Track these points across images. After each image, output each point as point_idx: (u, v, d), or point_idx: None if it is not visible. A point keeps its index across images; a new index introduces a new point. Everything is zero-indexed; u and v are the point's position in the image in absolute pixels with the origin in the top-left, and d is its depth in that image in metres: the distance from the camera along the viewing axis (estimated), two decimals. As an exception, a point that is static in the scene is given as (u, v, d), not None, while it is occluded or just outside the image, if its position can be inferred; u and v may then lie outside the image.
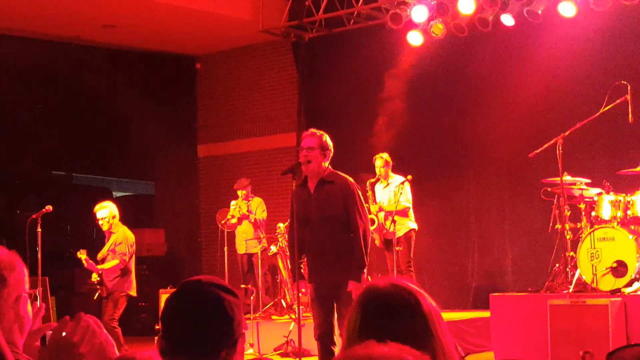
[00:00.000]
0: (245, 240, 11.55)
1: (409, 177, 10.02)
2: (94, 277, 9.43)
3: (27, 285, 2.57)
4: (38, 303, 2.53)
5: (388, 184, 10.22)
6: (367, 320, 1.94)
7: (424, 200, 10.93)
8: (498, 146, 11.21)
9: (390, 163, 10.24)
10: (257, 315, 10.87)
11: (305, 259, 6.75)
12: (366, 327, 1.93)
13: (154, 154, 15.16)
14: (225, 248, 11.09)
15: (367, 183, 10.12)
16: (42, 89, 14.00)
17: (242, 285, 11.13)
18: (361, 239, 6.41)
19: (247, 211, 11.39)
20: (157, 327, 9.63)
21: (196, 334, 2.27)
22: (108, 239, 9.55)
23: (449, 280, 11.40)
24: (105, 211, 9.51)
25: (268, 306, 11.27)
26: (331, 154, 6.57)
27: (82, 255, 9.28)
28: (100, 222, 9.52)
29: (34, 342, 2.41)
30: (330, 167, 6.59)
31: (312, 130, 6.64)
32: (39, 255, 9.38)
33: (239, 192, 11.53)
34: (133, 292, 9.48)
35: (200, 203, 14.82)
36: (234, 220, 11.40)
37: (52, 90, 14.19)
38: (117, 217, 9.53)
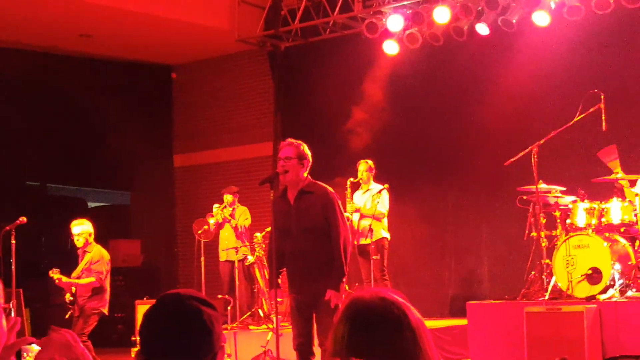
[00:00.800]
0: (226, 249, 11.54)
1: (386, 185, 10.07)
2: (68, 297, 9.31)
3: (1, 300, 2.55)
4: (13, 316, 2.52)
5: (368, 189, 10.25)
6: (354, 334, 1.93)
7: (402, 208, 10.96)
8: (474, 154, 11.27)
9: (374, 170, 10.28)
10: (235, 325, 10.84)
11: (285, 270, 6.74)
12: (354, 341, 1.92)
13: (130, 163, 15.08)
14: (202, 258, 11.06)
15: (348, 182, 10.14)
16: (17, 98, 13.91)
17: (219, 296, 11.11)
18: (341, 249, 6.37)
19: (230, 216, 11.35)
20: (134, 338, 9.60)
21: (175, 347, 2.26)
22: (82, 258, 9.44)
23: (426, 288, 11.43)
24: (82, 228, 9.41)
25: (245, 316, 11.24)
26: (310, 164, 6.54)
27: (54, 274, 9.17)
28: (75, 239, 9.43)
29: (9, 356, 2.40)
30: (309, 177, 6.57)
31: (290, 140, 6.61)
32: (13, 268, 9.29)
33: (225, 197, 11.50)
34: (105, 310, 9.38)
35: (176, 213, 14.78)
36: (212, 220, 11.32)
37: (27, 99, 14.09)
38: (93, 235, 9.45)
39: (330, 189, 6.58)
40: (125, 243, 14.23)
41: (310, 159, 6.54)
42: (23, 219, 9.35)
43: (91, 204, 18.27)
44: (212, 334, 2.30)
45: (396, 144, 11.73)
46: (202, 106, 14.60)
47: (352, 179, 10.19)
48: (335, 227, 6.40)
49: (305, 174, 6.51)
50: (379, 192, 10.06)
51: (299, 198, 6.50)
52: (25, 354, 2.55)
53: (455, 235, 11.53)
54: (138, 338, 2.38)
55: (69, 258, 15.22)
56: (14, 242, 9.28)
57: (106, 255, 9.46)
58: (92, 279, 9.25)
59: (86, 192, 18.95)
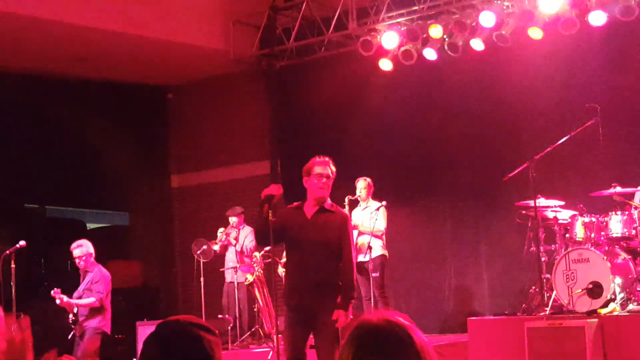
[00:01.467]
0: (226, 270, 11.53)
1: (384, 202, 10.04)
2: (71, 317, 9.30)
3: (2, 328, 2.54)
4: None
5: (367, 207, 10.22)
6: (360, 356, 1.93)
7: (399, 225, 10.94)
8: (471, 170, 11.26)
9: (372, 188, 10.25)
10: (235, 345, 10.80)
11: (287, 283, 6.73)
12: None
13: (128, 184, 15.06)
14: (202, 278, 11.02)
15: (346, 199, 10.11)
16: (14, 121, 13.89)
17: (219, 316, 11.07)
18: (353, 271, 6.50)
19: (235, 239, 11.31)
20: (134, 360, 9.55)
21: (175, 374, 2.24)
22: (83, 278, 9.44)
23: (425, 304, 11.40)
24: (82, 250, 9.42)
25: (246, 336, 11.20)
26: None
27: (56, 295, 9.17)
28: (76, 261, 9.42)
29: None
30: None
31: (325, 157, 6.69)
32: (14, 291, 9.26)
33: (231, 220, 11.47)
34: (107, 330, 9.39)
35: (175, 233, 14.73)
36: (216, 247, 11.31)
37: (24, 122, 14.08)
38: (93, 255, 9.45)
39: (345, 208, 6.72)
40: (124, 264, 14.17)
41: None
42: (23, 244, 9.33)
43: (90, 226, 18.21)
44: (212, 359, 2.27)
45: (393, 160, 11.72)
46: (199, 126, 14.59)
47: (350, 197, 10.17)
48: (349, 249, 6.51)
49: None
50: (377, 209, 10.03)
51: (318, 214, 6.55)
52: None
53: (454, 250, 11.50)
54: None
55: (69, 280, 15.16)
56: (13, 266, 9.26)
57: (107, 275, 9.46)
58: (92, 299, 9.25)
59: (85, 214, 18.89)
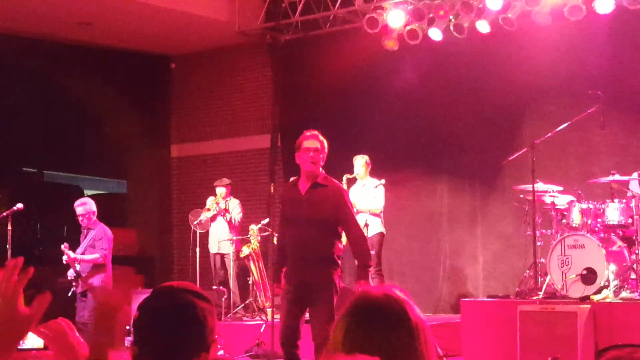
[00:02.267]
0: (218, 241, 11.50)
1: (383, 181, 10.04)
2: (71, 272, 9.36)
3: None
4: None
5: (364, 185, 10.22)
6: (353, 328, 1.94)
7: (397, 204, 10.95)
8: (471, 152, 11.26)
9: (370, 165, 10.23)
10: (228, 317, 10.83)
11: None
12: (352, 333, 1.94)
13: (127, 152, 15.05)
14: (198, 249, 11.05)
15: (344, 178, 10.11)
16: (14, 84, 13.86)
17: (214, 287, 11.10)
18: (364, 238, 6.63)
19: (225, 209, 11.33)
20: (127, 327, 9.59)
21: (169, 340, 2.26)
22: (85, 235, 9.50)
23: (419, 285, 11.42)
24: (85, 207, 9.50)
25: (239, 308, 11.23)
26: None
27: (65, 249, 9.26)
28: (80, 218, 9.49)
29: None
30: (323, 171, 6.61)
31: (314, 131, 6.63)
32: (9, 254, 9.28)
33: (218, 190, 11.47)
34: (111, 287, 9.47)
35: (172, 203, 14.74)
36: (208, 214, 11.31)
37: (24, 86, 14.04)
38: (96, 213, 9.53)
39: (343, 186, 6.68)
40: (120, 232, 14.15)
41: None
42: (20, 206, 9.35)
43: (87, 192, 18.20)
44: (205, 327, 2.30)
45: (393, 139, 11.71)
46: (201, 97, 14.56)
47: (348, 175, 10.16)
48: (353, 222, 6.59)
49: (322, 169, 6.58)
50: (376, 187, 10.03)
51: (312, 190, 6.52)
52: (21, 342, 2.53)
53: (451, 232, 11.51)
54: (132, 329, 2.36)
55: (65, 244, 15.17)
56: (10, 228, 9.29)
57: (109, 232, 9.52)
58: (96, 255, 9.35)
59: (83, 180, 18.88)
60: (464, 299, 9.19)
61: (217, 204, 11.36)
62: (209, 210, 11.33)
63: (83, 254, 9.38)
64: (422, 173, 11.70)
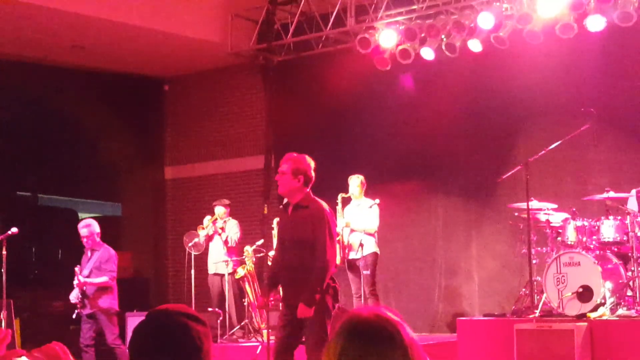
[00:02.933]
0: (215, 262, 11.45)
1: (377, 200, 10.02)
2: (75, 295, 9.35)
3: None
4: (3, 327, 2.49)
5: (359, 205, 10.20)
6: (348, 350, 1.93)
7: (392, 223, 10.92)
8: (465, 171, 11.26)
9: (365, 185, 10.22)
10: (224, 338, 10.77)
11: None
12: (345, 356, 1.91)
13: (121, 175, 15.02)
14: (192, 271, 10.99)
15: (339, 197, 10.09)
16: (8, 107, 13.84)
17: (210, 309, 11.04)
18: (320, 265, 6.31)
19: (221, 229, 11.28)
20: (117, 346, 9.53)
21: (165, 363, 2.23)
22: (90, 257, 9.49)
23: (415, 303, 11.38)
24: (89, 229, 9.56)
25: (235, 329, 11.17)
26: (308, 178, 6.48)
27: (77, 274, 9.30)
28: (84, 240, 9.53)
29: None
30: (309, 191, 6.55)
31: (292, 154, 6.61)
32: (4, 278, 9.25)
33: (217, 210, 11.40)
34: (118, 308, 9.59)
35: (167, 225, 14.70)
36: (203, 232, 11.23)
37: (18, 109, 14.03)
38: (100, 234, 9.57)
39: (326, 206, 6.56)
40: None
41: (309, 174, 6.49)
42: (14, 230, 9.33)
43: (82, 215, 18.15)
44: (201, 350, 2.27)
45: (387, 158, 11.70)
46: (194, 119, 14.56)
47: (343, 195, 10.15)
48: (320, 243, 6.34)
49: (302, 188, 6.48)
50: (370, 207, 10.01)
51: (294, 211, 6.54)
52: None
53: (445, 250, 11.49)
54: (129, 355, 2.35)
55: (59, 268, 15.12)
56: (4, 252, 9.27)
57: (114, 254, 9.59)
58: (105, 278, 9.40)
59: (77, 203, 18.85)
60: (460, 318, 9.16)
61: (214, 223, 11.30)
62: (204, 228, 11.27)
63: (88, 275, 9.41)
64: (417, 192, 11.69)
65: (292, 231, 6.52)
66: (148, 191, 14.89)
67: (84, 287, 9.36)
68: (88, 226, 9.57)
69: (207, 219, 11.40)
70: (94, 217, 18.47)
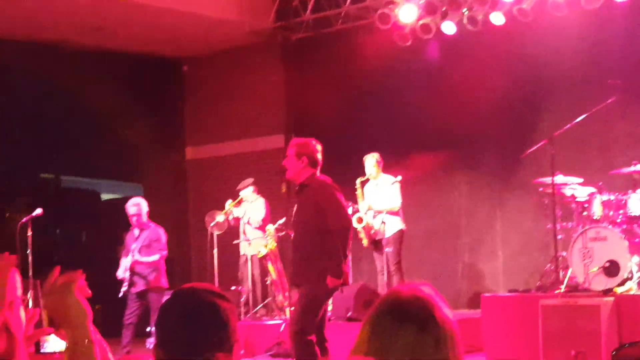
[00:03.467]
0: (241, 242, 11.49)
1: (399, 177, 9.96)
2: (122, 272, 9.44)
3: (20, 291, 2.57)
4: (30, 307, 2.49)
5: (377, 184, 10.15)
6: (379, 328, 1.91)
7: (414, 200, 10.88)
8: (489, 146, 11.19)
9: (381, 163, 10.16)
10: (248, 317, 10.80)
11: None
12: (377, 335, 1.90)
13: (142, 156, 15.03)
14: (215, 250, 11.00)
15: (357, 182, 10.06)
16: (30, 91, 13.88)
17: (232, 288, 11.06)
18: (335, 235, 6.46)
19: (234, 219, 11.27)
20: (149, 329, 9.58)
21: (192, 341, 2.23)
22: (138, 236, 9.57)
23: (439, 281, 11.30)
24: (137, 207, 9.69)
25: (258, 308, 11.20)
26: (313, 160, 6.62)
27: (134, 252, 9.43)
28: (133, 218, 9.65)
29: (27, 348, 2.37)
30: (314, 172, 6.62)
31: (297, 138, 6.97)
32: (30, 259, 9.33)
33: (242, 194, 11.36)
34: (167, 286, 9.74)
35: (189, 205, 14.72)
36: (221, 217, 11.22)
37: (39, 92, 14.06)
38: (148, 213, 9.77)
39: (329, 181, 6.64)
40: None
41: (314, 156, 6.63)
42: (39, 211, 9.40)
43: (104, 197, 18.25)
44: (228, 327, 2.27)
45: (409, 135, 11.60)
46: (214, 98, 14.52)
47: (361, 178, 10.12)
48: (332, 208, 6.51)
49: (306, 169, 6.58)
50: (392, 184, 9.95)
51: (299, 192, 6.73)
52: (44, 345, 2.56)
53: (470, 227, 11.45)
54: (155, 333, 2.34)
55: (83, 249, 15.21)
56: (30, 233, 9.35)
57: (163, 233, 9.77)
58: (156, 256, 9.56)
59: (99, 185, 18.93)
60: (484, 294, 9.11)
61: (232, 211, 11.27)
62: (227, 214, 11.29)
63: (139, 254, 9.48)
64: (440, 168, 11.62)
65: (297, 212, 6.77)
66: (169, 172, 14.90)
67: (134, 266, 9.43)
68: (137, 205, 9.69)
69: (228, 203, 11.38)
70: (115, 199, 18.58)
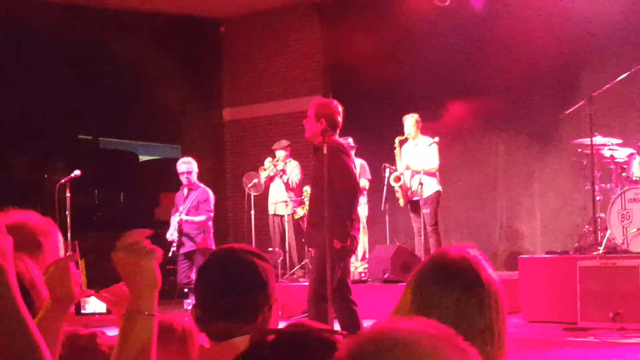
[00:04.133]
0: (275, 203, 11.50)
1: (437, 139, 9.91)
2: (172, 233, 9.50)
3: (62, 252, 2.59)
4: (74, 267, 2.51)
5: (416, 145, 10.11)
6: (423, 288, 1.91)
7: (452, 162, 10.86)
8: (527, 107, 11.09)
9: (421, 123, 10.11)
10: (285, 278, 10.88)
11: None
12: (420, 294, 1.90)
13: (180, 117, 15.12)
14: (252, 212, 11.06)
15: (396, 140, 10.03)
16: (69, 53, 13.98)
17: (270, 249, 11.14)
18: (339, 199, 6.36)
19: (282, 171, 11.28)
20: (186, 289, 9.70)
21: (232, 300, 2.25)
22: (187, 196, 9.61)
23: (476, 242, 11.30)
24: (188, 166, 9.68)
25: (296, 269, 11.27)
26: (331, 122, 6.47)
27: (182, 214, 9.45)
28: (184, 176, 9.64)
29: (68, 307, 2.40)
30: (333, 134, 6.51)
31: (319, 98, 6.81)
32: (69, 220, 9.42)
33: (278, 153, 11.41)
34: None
35: (226, 166, 14.80)
36: (264, 174, 11.25)
37: (78, 54, 14.16)
38: (198, 174, 9.69)
39: (341, 144, 6.57)
40: (175, 196, 14.32)
41: (334, 118, 6.52)
42: (77, 173, 9.47)
43: (142, 158, 18.41)
44: (267, 286, 2.29)
45: (446, 95, 11.52)
46: (251, 60, 14.51)
47: (399, 137, 10.07)
48: (338, 179, 6.39)
49: (325, 131, 6.44)
50: (429, 145, 9.92)
51: (314, 154, 6.66)
52: (85, 306, 2.60)
53: (507, 188, 11.41)
54: (195, 294, 2.37)
55: (121, 210, 15.38)
56: (68, 194, 9.43)
57: (212, 194, 9.72)
58: (203, 217, 9.56)
59: (137, 146, 19.09)
60: (521, 256, 9.08)
61: (275, 165, 11.31)
62: (265, 170, 11.29)
63: (186, 214, 9.53)
64: (477, 129, 11.56)
65: (312, 174, 6.79)
66: (207, 133, 14.97)
67: (182, 226, 9.49)
68: (188, 163, 9.69)
69: (267, 161, 11.41)
70: (153, 160, 18.75)
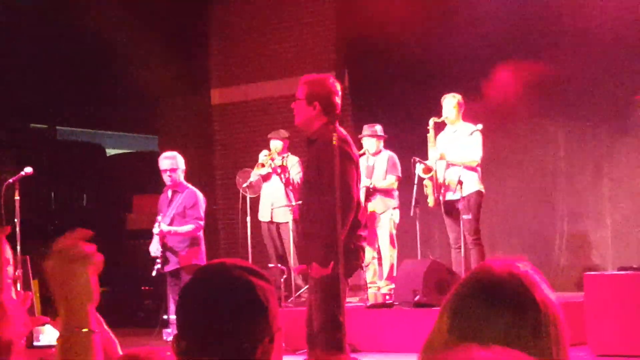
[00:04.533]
0: (272, 207, 11.47)
1: (480, 126, 9.90)
2: (155, 248, 9.49)
3: (11, 269, 2.61)
4: (19, 290, 2.53)
5: (455, 131, 10.09)
6: (465, 311, 1.88)
7: (498, 155, 10.88)
8: (593, 89, 11.12)
9: (463, 107, 10.08)
10: (290, 301, 10.86)
11: None
12: (462, 319, 1.87)
13: (158, 102, 15.14)
14: (248, 217, 11.05)
15: (430, 122, 10.02)
16: (18, 25, 13.98)
17: (270, 265, 11.12)
18: (326, 211, 6.14)
19: (280, 167, 11.18)
20: (166, 317, 9.71)
21: (223, 329, 2.23)
22: (171, 200, 9.61)
23: (531, 256, 11.29)
24: (172, 162, 9.72)
25: (302, 290, 11.25)
26: (327, 105, 6.30)
27: (160, 222, 9.50)
28: (167, 174, 9.68)
29: (19, 340, 2.40)
30: (327, 121, 6.31)
31: (311, 75, 6.64)
32: (18, 229, 9.40)
33: (272, 144, 11.38)
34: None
35: (215, 161, 14.83)
36: (261, 171, 11.22)
37: (29, 26, 14.16)
38: (185, 172, 9.69)
39: (344, 133, 6.36)
40: (152, 198, 14.28)
41: (331, 99, 6.33)
42: (29, 170, 9.46)
43: (110, 151, 18.47)
44: (267, 311, 2.27)
45: (491, 74, 11.55)
46: (246, 32, 14.56)
47: (435, 119, 10.06)
48: (325, 183, 6.16)
49: (319, 117, 6.31)
50: (471, 134, 9.91)
51: (308, 147, 6.54)
52: (38, 337, 2.62)
53: (570, 189, 11.47)
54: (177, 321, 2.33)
55: (83, 217, 15.39)
56: (18, 197, 9.40)
57: (202, 198, 9.62)
58: (191, 226, 9.48)
59: (104, 137, 19.15)
60: (587, 273, 9.08)
61: (272, 159, 11.25)
62: (263, 166, 11.24)
63: (170, 223, 9.52)
64: (531, 116, 11.60)
65: (303, 172, 6.61)
66: (191, 120, 14.99)
67: (165, 238, 9.46)
68: (172, 158, 9.73)
69: (263, 154, 11.37)
70: (124, 154, 18.79)
